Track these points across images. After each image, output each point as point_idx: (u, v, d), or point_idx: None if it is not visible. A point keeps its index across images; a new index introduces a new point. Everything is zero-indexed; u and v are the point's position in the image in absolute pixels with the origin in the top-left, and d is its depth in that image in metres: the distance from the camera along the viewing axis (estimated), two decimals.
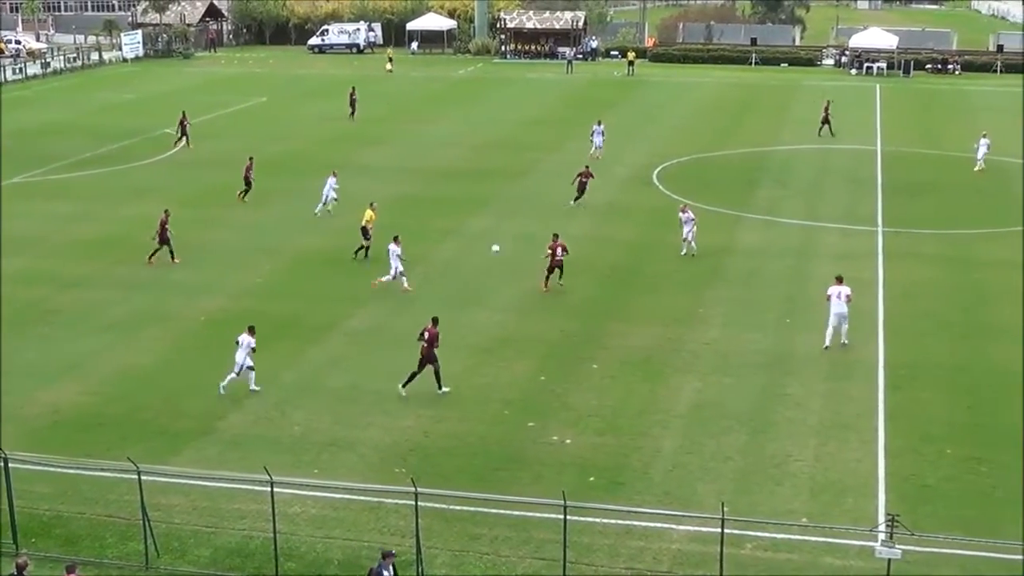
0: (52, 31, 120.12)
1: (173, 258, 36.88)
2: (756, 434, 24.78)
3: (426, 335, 26.28)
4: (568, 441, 24.48)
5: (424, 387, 26.59)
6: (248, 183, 45.28)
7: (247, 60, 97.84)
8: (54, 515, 21.28)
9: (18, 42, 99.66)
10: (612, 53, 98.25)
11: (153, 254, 36.79)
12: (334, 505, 21.60)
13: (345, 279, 35.64)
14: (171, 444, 24.34)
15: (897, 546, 17.90)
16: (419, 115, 67.97)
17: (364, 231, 37.20)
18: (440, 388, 26.53)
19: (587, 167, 45.14)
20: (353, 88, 66.55)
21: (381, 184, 47.05)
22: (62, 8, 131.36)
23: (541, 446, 24.26)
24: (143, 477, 19.72)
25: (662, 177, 50.03)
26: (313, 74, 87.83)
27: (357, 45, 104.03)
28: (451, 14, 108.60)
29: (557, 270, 33.86)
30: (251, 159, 46.01)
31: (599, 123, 54.25)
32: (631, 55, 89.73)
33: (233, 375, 26.62)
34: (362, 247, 37.16)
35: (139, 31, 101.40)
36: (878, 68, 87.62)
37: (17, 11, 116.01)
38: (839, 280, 29.92)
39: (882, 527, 18.81)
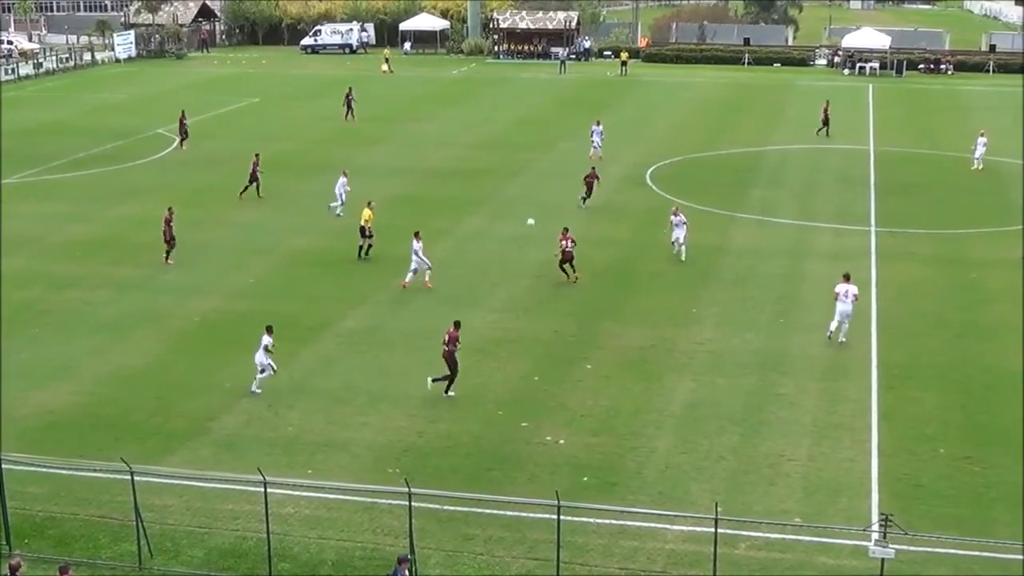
0: (44, 31, 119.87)
1: (167, 259, 36.81)
2: (750, 434, 24.81)
3: (446, 337, 26.45)
4: (562, 441, 24.48)
5: (419, 389, 26.62)
6: (255, 179, 45.36)
7: (240, 60, 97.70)
8: (47, 516, 21.23)
9: (10, 42, 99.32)
10: (605, 53, 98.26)
11: (168, 255, 36.75)
12: (328, 505, 21.59)
13: (339, 280, 35.63)
14: (164, 444, 24.31)
15: (891, 545, 17.93)
16: (412, 115, 67.90)
17: (362, 230, 37.18)
18: (447, 391, 26.61)
19: (593, 168, 45.35)
20: (350, 89, 66.45)
21: (374, 184, 46.94)
22: (54, 8, 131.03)
23: (535, 446, 24.26)
24: (136, 478, 19.68)
25: (655, 177, 50.06)
26: (306, 74, 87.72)
27: (350, 45, 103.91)
28: (444, 14, 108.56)
29: (569, 263, 34.68)
30: (257, 156, 46.19)
31: (598, 123, 54.23)
32: (624, 55, 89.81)
33: (262, 375, 26.71)
34: (362, 247, 37.18)
35: (132, 31, 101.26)
36: (871, 68, 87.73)
37: (9, 11, 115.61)
38: (847, 278, 29.93)
39: (875, 527, 18.82)
